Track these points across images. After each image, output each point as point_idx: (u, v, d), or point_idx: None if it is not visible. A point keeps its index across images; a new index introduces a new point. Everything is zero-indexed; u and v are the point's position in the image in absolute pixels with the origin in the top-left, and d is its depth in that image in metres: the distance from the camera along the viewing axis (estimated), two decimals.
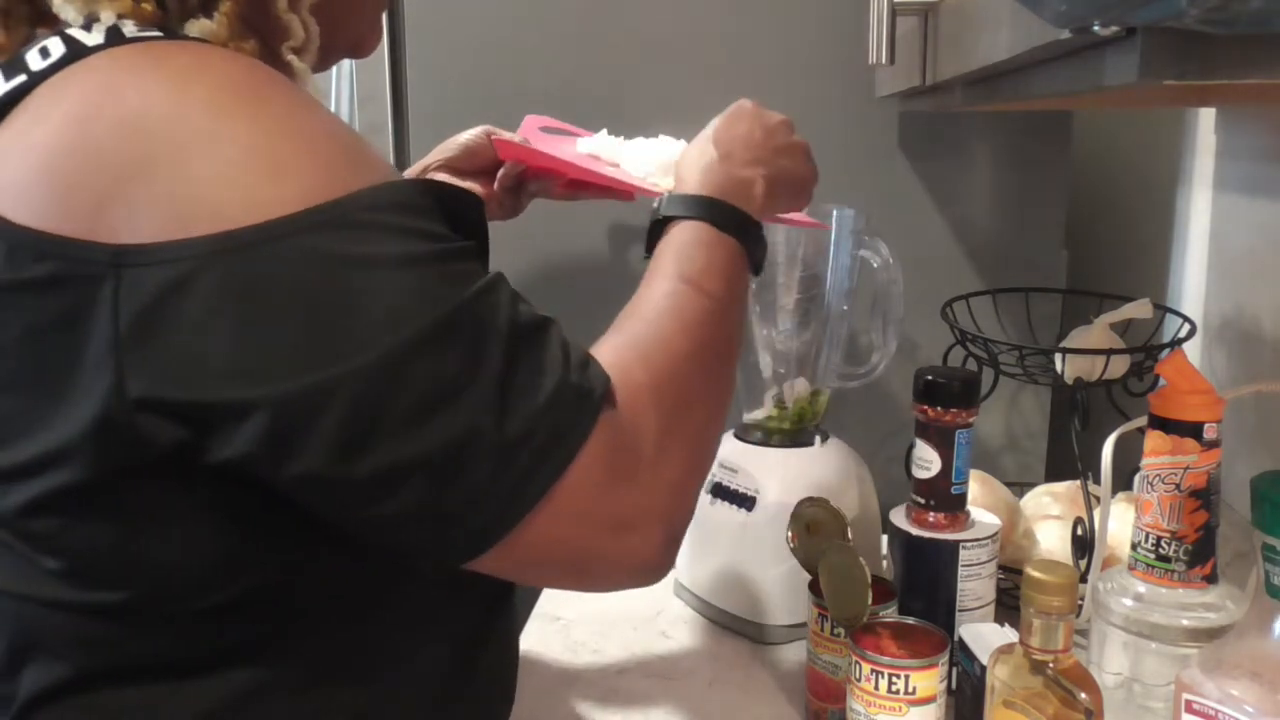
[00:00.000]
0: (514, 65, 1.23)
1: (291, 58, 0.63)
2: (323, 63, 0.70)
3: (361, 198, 0.52)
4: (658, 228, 0.73)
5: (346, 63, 1.25)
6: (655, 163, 0.99)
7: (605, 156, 1.00)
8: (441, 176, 0.99)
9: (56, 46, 0.55)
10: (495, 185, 0.99)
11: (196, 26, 0.58)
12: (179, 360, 0.50)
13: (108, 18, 0.56)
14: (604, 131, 1.03)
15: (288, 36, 0.63)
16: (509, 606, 0.72)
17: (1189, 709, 0.61)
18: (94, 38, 0.55)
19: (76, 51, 0.55)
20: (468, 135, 0.98)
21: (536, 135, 1.04)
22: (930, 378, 0.87)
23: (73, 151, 0.51)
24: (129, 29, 0.56)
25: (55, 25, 0.58)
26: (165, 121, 0.51)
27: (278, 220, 0.50)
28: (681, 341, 0.64)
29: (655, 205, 0.74)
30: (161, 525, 0.54)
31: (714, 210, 0.73)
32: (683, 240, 0.71)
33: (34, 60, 0.55)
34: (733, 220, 0.73)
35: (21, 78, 0.55)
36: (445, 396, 0.51)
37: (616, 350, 0.61)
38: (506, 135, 0.97)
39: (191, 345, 0.50)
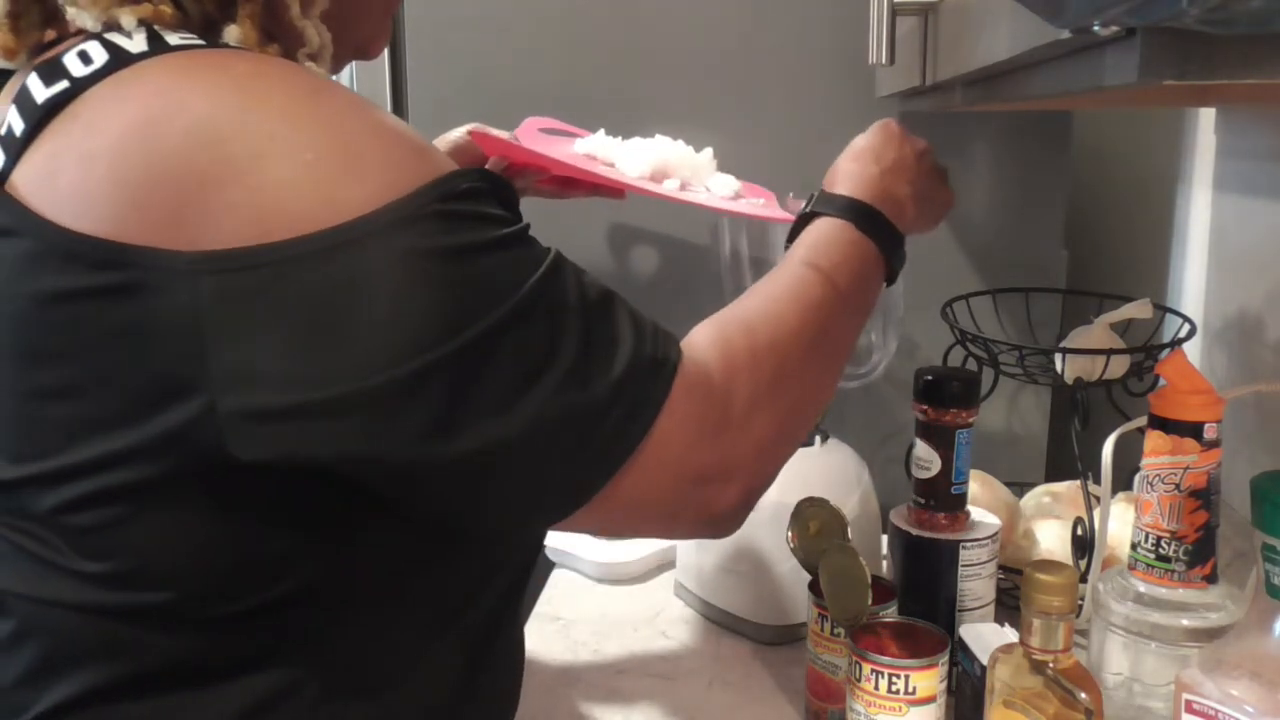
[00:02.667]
0: (514, 65, 1.23)
1: (309, 64, 0.63)
2: (334, 66, 0.70)
3: (433, 190, 0.53)
4: (803, 223, 0.75)
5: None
6: (649, 162, 0.99)
7: (601, 156, 1.01)
8: None
9: (98, 53, 0.55)
10: None
11: (231, 34, 0.58)
12: (267, 365, 0.50)
13: (128, 23, 0.56)
14: (601, 132, 1.03)
15: (303, 43, 0.63)
16: (517, 608, 0.73)
17: (1189, 709, 0.61)
18: (137, 45, 0.55)
19: (122, 58, 0.54)
20: (455, 133, 1.00)
21: (535, 136, 1.04)
22: (930, 378, 0.87)
23: (143, 160, 0.50)
24: (172, 38, 0.56)
25: (65, 28, 0.58)
26: (238, 128, 0.51)
27: (357, 220, 0.51)
28: (793, 319, 0.66)
29: (805, 202, 0.76)
30: (208, 525, 0.54)
31: (863, 214, 0.74)
32: (823, 234, 0.73)
33: (74, 66, 0.54)
34: (879, 228, 0.74)
35: (64, 84, 0.54)
36: (532, 373, 0.54)
37: (722, 320, 0.65)
38: (494, 132, 0.98)
39: (279, 349, 0.50)
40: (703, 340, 0.63)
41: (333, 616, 0.59)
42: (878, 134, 0.82)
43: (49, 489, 0.54)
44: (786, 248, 0.74)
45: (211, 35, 0.58)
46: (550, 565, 1.19)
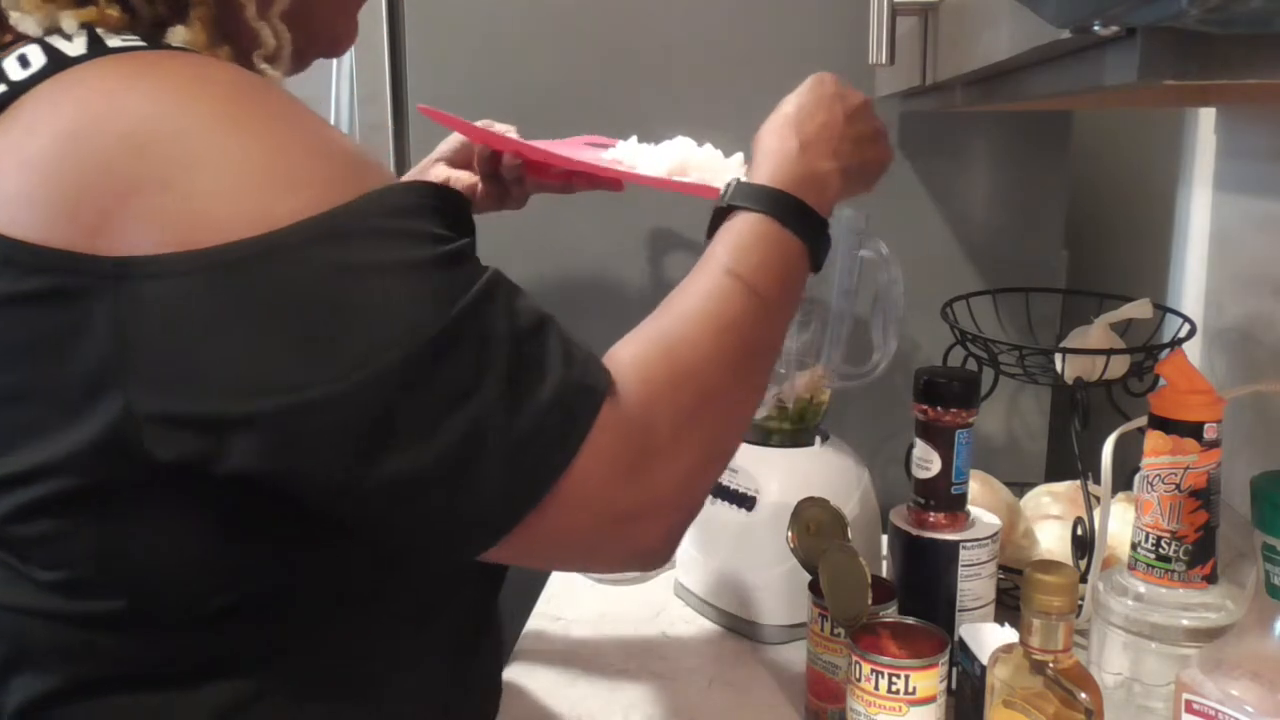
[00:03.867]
0: (514, 64, 1.23)
1: (264, 65, 0.63)
2: (298, 65, 0.70)
3: (364, 203, 0.52)
4: (721, 215, 0.71)
5: (347, 62, 1.25)
6: (665, 165, 0.99)
7: (626, 161, 1.02)
8: (438, 169, 1.02)
9: (37, 56, 0.54)
10: (475, 168, 1.00)
11: (177, 35, 0.58)
12: (185, 373, 0.50)
13: (70, 26, 0.55)
14: (633, 139, 1.04)
15: (259, 44, 0.62)
16: (494, 610, 0.72)
17: (1189, 709, 0.61)
18: (76, 48, 0.55)
19: (59, 62, 0.54)
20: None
21: (569, 147, 1.06)
22: (930, 378, 0.87)
23: (76, 165, 0.50)
24: (113, 40, 0.55)
25: (9, 33, 0.58)
26: (170, 135, 0.50)
27: (281, 230, 0.50)
28: (713, 339, 0.62)
29: (722, 191, 0.72)
30: (161, 532, 0.54)
31: (783, 205, 0.70)
32: (742, 232, 0.69)
33: (13, 70, 0.55)
34: (801, 217, 0.70)
35: (1, 88, 0.54)
36: (454, 402, 0.52)
37: (642, 343, 0.61)
38: (492, 126, 1.00)
39: (197, 358, 0.50)
40: (624, 366, 0.59)
41: (298, 620, 0.58)
42: (805, 95, 0.76)
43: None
44: (707, 240, 0.70)
45: (160, 36, 0.58)
46: None
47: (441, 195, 0.57)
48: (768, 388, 0.68)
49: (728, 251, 0.67)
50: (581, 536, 0.57)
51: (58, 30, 0.56)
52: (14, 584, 0.56)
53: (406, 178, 1.00)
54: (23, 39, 0.57)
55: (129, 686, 0.57)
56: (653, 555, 0.60)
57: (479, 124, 1.02)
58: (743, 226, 0.69)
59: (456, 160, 1.02)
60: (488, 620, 0.71)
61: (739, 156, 1.02)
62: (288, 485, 0.52)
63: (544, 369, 0.55)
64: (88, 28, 0.56)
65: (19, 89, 0.54)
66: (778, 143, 0.73)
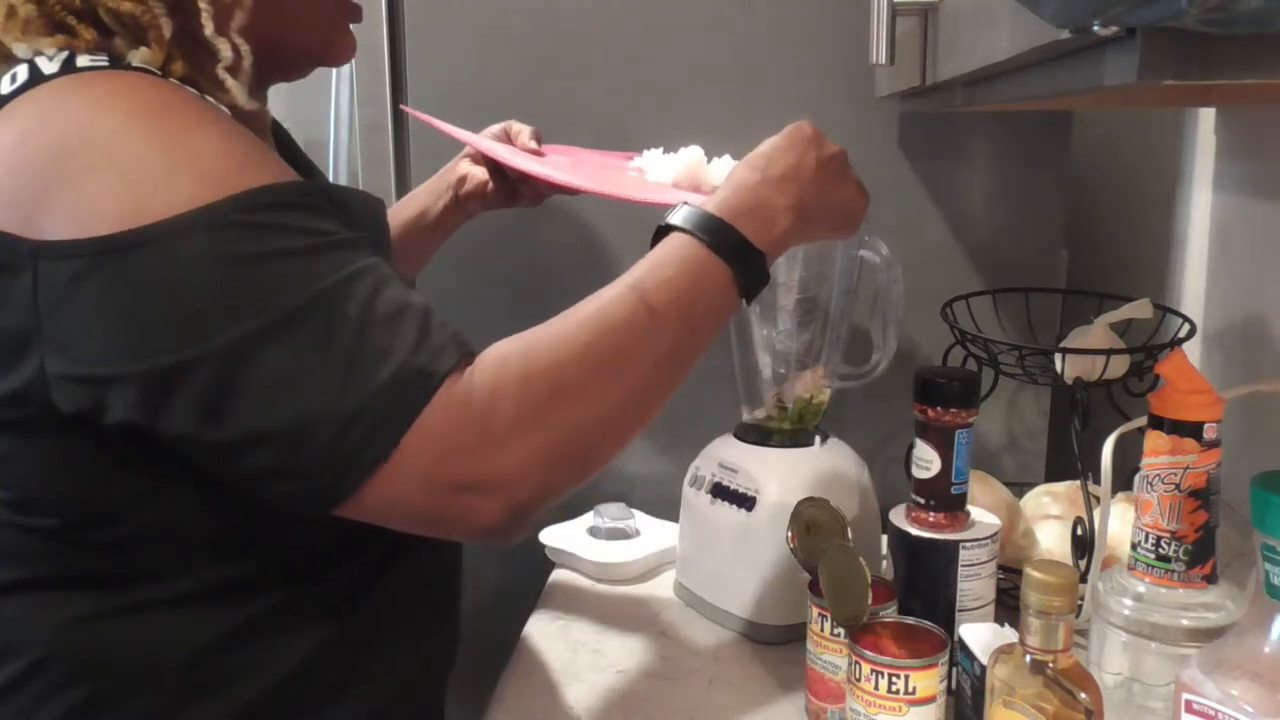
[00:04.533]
0: (514, 66, 1.23)
1: (224, 76, 0.70)
2: (284, 74, 0.78)
3: (238, 201, 0.61)
4: (661, 234, 0.74)
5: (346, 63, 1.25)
6: (670, 173, 1.00)
7: (647, 169, 1.04)
8: (462, 164, 1.08)
9: (23, 74, 0.66)
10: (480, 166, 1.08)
11: (138, 55, 0.67)
12: (75, 339, 0.61)
13: (49, 51, 0.67)
14: (659, 150, 1.05)
15: (217, 57, 0.70)
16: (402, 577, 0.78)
17: (1189, 709, 0.61)
18: (52, 67, 0.66)
19: (36, 78, 0.65)
20: (491, 129, 1.08)
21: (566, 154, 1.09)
22: (930, 378, 0.87)
23: (12, 166, 0.62)
24: (82, 60, 0.66)
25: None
26: (80, 143, 0.61)
27: (156, 223, 0.59)
28: (583, 342, 0.66)
29: (665, 212, 0.75)
30: (71, 466, 0.65)
31: (714, 231, 0.72)
32: (665, 250, 0.72)
33: (4, 85, 0.67)
34: (730, 244, 0.72)
35: None
36: (291, 377, 0.60)
37: (514, 338, 0.67)
38: (511, 128, 1.07)
39: (84, 327, 0.60)
40: (485, 358, 0.65)
41: (192, 547, 0.69)
42: (783, 139, 0.79)
43: None
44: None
45: (125, 56, 0.67)
46: (550, 565, 1.19)
47: (324, 194, 0.66)
48: (660, 402, 0.69)
49: (641, 266, 0.71)
50: (416, 507, 0.63)
51: (41, 54, 0.67)
52: None
53: (446, 168, 1.07)
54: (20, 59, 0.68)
55: (60, 585, 0.68)
56: (496, 532, 0.65)
57: (496, 128, 1.05)
58: (669, 246, 0.72)
59: (477, 158, 1.08)
60: (381, 586, 0.76)
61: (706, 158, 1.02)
62: (155, 435, 0.62)
63: (388, 353, 0.61)
64: (67, 50, 0.67)
65: (3, 101, 0.65)
66: (742, 174, 0.77)
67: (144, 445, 0.63)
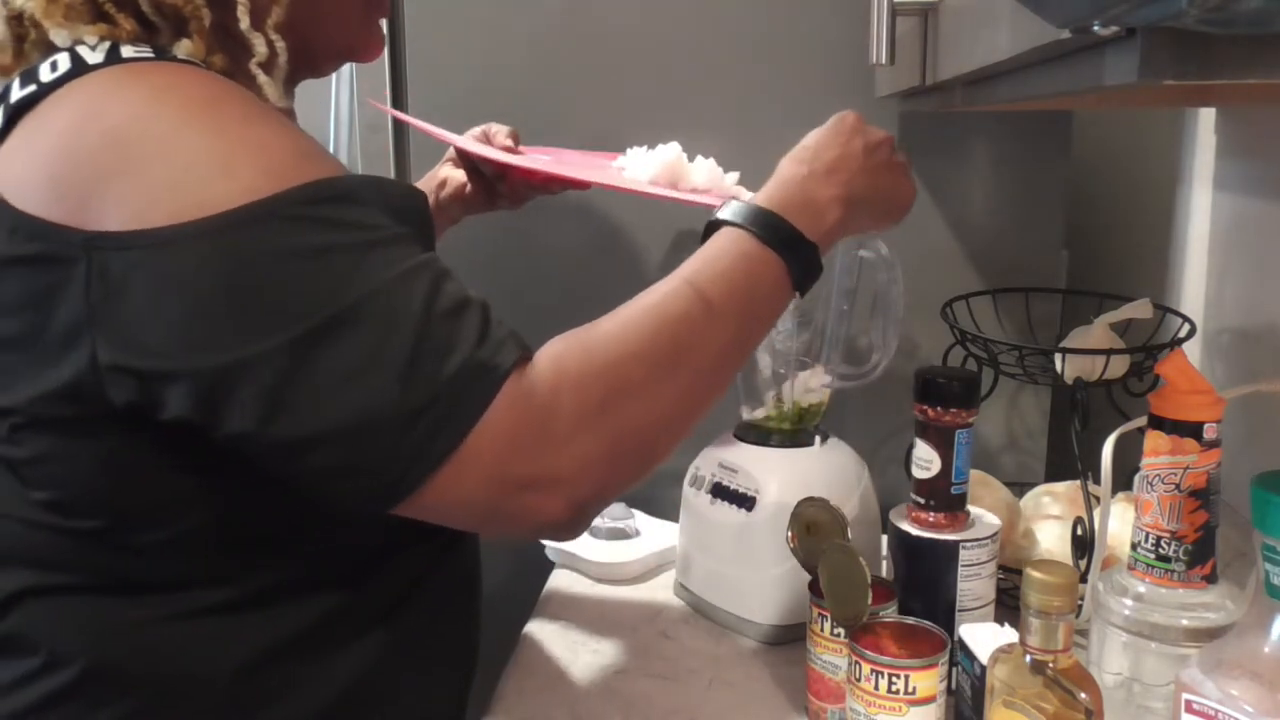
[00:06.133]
0: (514, 66, 1.23)
1: (258, 72, 0.69)
2: (314, 71, 0.78)
3: (297, 193, 0.60)
4: (712, 229, 0.74)
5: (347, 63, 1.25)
6: (649, 170, 1.00)
7: (628, 167, 1.04)
8: (444, 167, 1.08)
9: (64, 62, 0.65)
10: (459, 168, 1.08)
11: (182, 48, 0.67)
12: (131, 332, 0.59)
13: (91, 40, 0.65)
14: (644, 148, 1.05)
15: (252, 53, 0.69)
16: (444, 576, 0.78)
17: (1189, 709, 0.61)
18: (96, 56, 0.65)
19: (80, 68, 0.64)
20: (471, 132, 1.07)
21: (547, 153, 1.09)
22: (930, 378, 0.87)
23: (67, 156, 0.61)
24: (127, 50, 0.65)
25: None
26: (138, 134, 0.60)
27: (216, 215, 0.58)
28: (640, 339, 0.66)
29: (720, 206, 0.75)
30: (134, 465, 0.63)
31: (764, 222, 0.72)
32: (718, 244, 0.72)
33: (45, 73, 0.65)
34: (783, 238, 0.72)
35: (32, 87, 0.65)
36: (355, 372, 0.59)
37: (570, 335, 0.66)
38: (489, 129, 1.06)
39: (140, 320, 0.59)
40: (542, 356, 0.64)
41: (237, 552, 0.67)
42: (827, 130, 0.79)
43: (3, 419, 0.64)
44: None
45: (170, 48, 0.67)
46: (550, 565, 1.19)
47: (380, 188, 0.65)
48: (716, 397, 0.70)
49: (695, 261, 0.71)
50: (479, 503, 0.62)
51: (81, 43, 0.65)
52: (13, 496, 0.65)
53: (428, 175, 1.05)
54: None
55: (105, 590, 0.66)
56: (557, 528, 0.65)
57: (475, 130, 1.05)
58: (721, 240, 0.72)
59: (458, 161, 1.08)
60: (430, 581, 0.77)
61: (735, 175, 1.02)
62: (212, 434, 0.60)
63: (452, 348, 0.60)
64: (109, 39, 0.65)
65: (46, 89, 0.64)
66: (789, 169, 0.77)
67: (192, 444, 0.62)
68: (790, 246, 0.72)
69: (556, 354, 0.64)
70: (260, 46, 0.69)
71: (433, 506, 0.62)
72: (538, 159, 1.06)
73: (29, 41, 0.68)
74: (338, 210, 0.61)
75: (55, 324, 0.60)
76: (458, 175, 1.07)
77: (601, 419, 0.63)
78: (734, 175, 1.02)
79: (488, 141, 1.06)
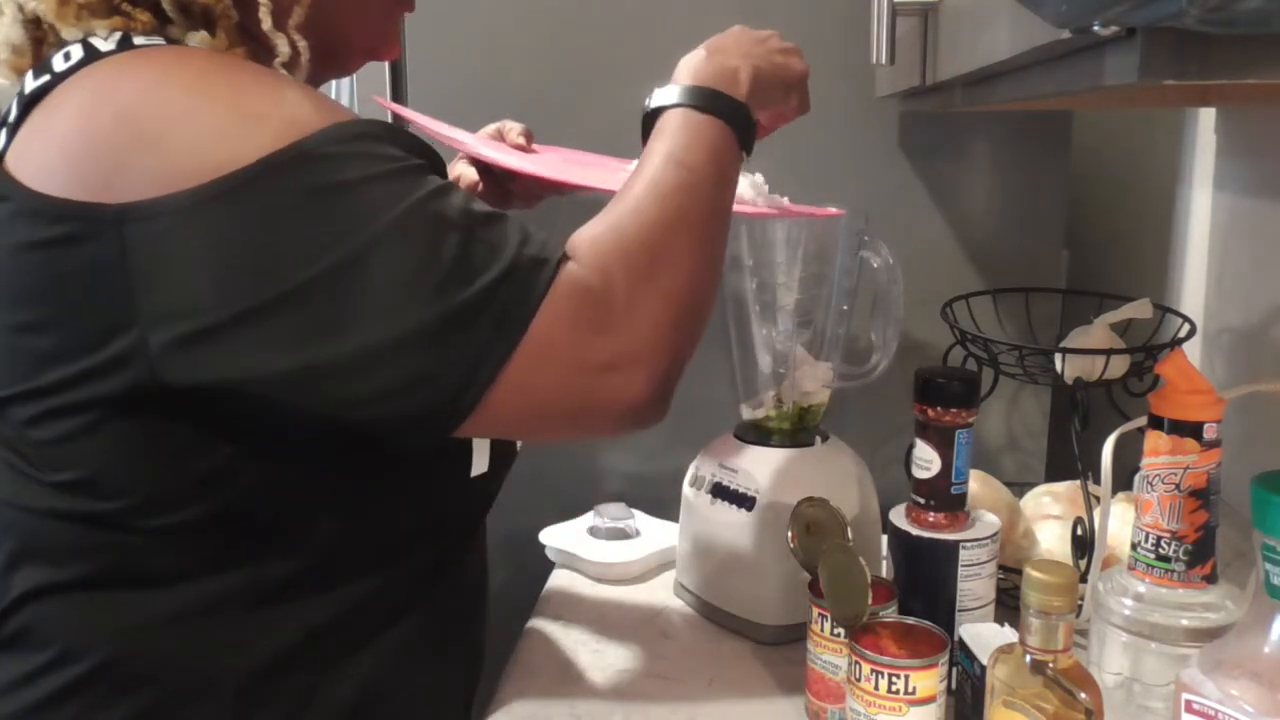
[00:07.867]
0: (514, 65, 1.23)
1: (282, 72, 0.70)
2: (337, 70, 0.79)
3: (321, 135, 0.61)
4: (650, 121, 0.77)
5: None
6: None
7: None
8: (455, 166, 1.08)
9: (77, 51, 0.66)
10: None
11: (196, 38, 0.68)
12: (178, 296, 0.59)
13: (103, 33, 0.66)
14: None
15: (274, 53, 0.70)
16: (460, 565, 0.79)
17: (1189, 709, 0.61)
18: (108, 45, 0.66)
19: (91, 56, 0.65)
20: (486, 129, 1.08)
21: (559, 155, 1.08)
22: (930, 378, 0.87)
23: (83, 137, 0.61)
24: (139, 39, 0.66)
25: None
26: (152, 108, 0.61)
27: (247, 167, 0.59)
28: (653, 209, 0.69)
29: (646, 101, 0.78)
30: (163, 441, 0.63)
31: (696, 96, 0.76)
32: (667, 125, 0.76)
33: (58, 63, 0.65)
34: (715, 103, 0.76)
35: (46, 77, 0.65)
36: (406, 281, 0.59)
37: (592, 225, 0.69)
38: (503, 125, 1.06)
39: (185, 280, 0.59)
40: (577, 244, 0.66)
41: (266, 535, 0.67)
42: (721, 35, 0.84)
43: (19, 407, 0.64)
44: (643, 145, 0.76)
45: (182, 41, 0.67)
46: (550, 565, 1.19)
47: (391, 130, 0.66)
48: (720, 255, 0.74)
49: (658, 141, 0.75)
50: (559, 394, 0.63)
51: (94, 34, 0.66)
52: (27, 486, 0.65)
53: None
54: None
55: (119, 583, 0.66)
56: (642, 409, 0.65)
57: (490, 127, 1.05)
58: (668, 121, 0.76)
59: (469, 158, 1.08)
60: (454, 577, 0.78)
61: (759, 176, 1.02)
62: (270, 378, 0.60)
63: (499, 247, 0.62)
64: (121, 30, 0.66)
65: (59, 78, 0.64)
66: (692, 59, 0.80)
67: (227, 419, 0.63)
68: (730, 110, 0.76)
69: (591, 238, 0.66)
70: (283, 47, 0.70)
71: (512, 410, 0.62)
72: (548, 160, 1.06)
73: (47, 44, 0.69)
74: (364, 145, 0.62)
75: (92, 303, 0.60)
76: (470, 173, 1.07)
77: (652, 285, 0.66)
78: (757, 176, 1.02)
79: (500, 139, 1.06)
